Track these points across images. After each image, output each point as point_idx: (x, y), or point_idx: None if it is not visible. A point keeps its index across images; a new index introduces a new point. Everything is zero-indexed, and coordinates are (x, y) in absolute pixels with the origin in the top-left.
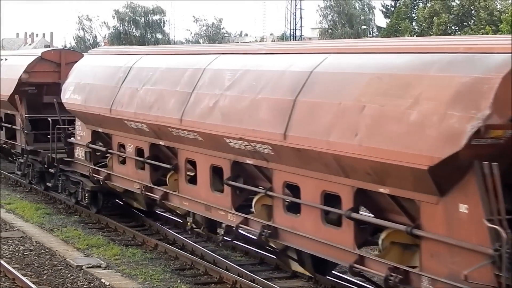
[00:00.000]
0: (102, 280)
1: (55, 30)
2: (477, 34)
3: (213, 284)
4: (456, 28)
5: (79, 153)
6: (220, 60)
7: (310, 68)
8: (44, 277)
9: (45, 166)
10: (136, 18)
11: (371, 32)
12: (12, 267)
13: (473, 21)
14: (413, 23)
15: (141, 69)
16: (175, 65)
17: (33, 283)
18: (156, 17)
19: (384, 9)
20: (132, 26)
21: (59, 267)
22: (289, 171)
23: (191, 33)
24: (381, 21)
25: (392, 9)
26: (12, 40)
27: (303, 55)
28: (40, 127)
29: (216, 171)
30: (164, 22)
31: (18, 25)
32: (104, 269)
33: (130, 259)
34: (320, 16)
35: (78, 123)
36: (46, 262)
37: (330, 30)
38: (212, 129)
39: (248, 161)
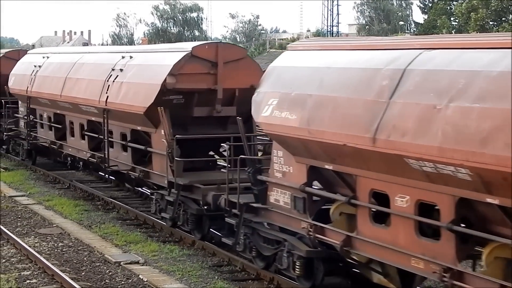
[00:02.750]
0: (140, 276)
1: (92, 28)
2: None
3: (250, 281)
4: (494, 24)
5: (279, 197)
6: None
7: None
8: (83, 273)
9: (206, 208)
10: (176, 14)
11: (408, 28)
12: (51, 263)
13: (511, 16)
14: (451, 19)
15: (434, 74)
16: None
17: (71, 279)
18: (194, 15)
19: (421, 5)
20: (171, 23)
21: (98, 263)
22: None
23: (228, 29)
24: (418, 17)
25: (430, 4)
26: (50, 38)
27: None
28: (183, 150)
29: None
30: (201, 20)
31: (56, 23)
32: (142, 265)
33: (168, 255)
34: (357, 12)
35: (277, 153)
36: (85, 259)
37: (367, 26)
38: None
39: None
